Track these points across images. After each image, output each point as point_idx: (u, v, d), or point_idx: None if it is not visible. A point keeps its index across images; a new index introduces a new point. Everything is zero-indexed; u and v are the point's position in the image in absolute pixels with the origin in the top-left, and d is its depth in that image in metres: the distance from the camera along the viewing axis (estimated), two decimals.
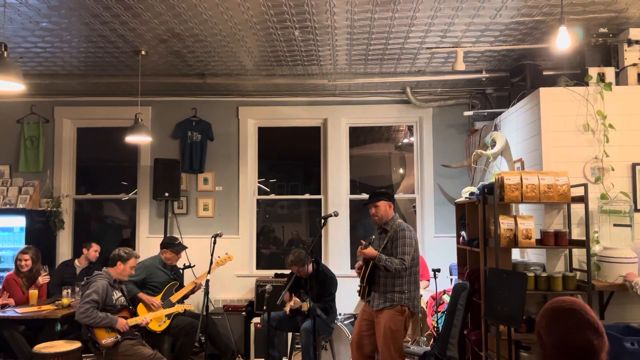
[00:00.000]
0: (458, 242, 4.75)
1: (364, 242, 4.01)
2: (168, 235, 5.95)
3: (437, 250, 6.09)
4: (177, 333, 4.85)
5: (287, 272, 5.52)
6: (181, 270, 5.47)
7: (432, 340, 5.09)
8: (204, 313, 4.39)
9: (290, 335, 5.31)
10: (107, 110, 6.58)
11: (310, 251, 4.20)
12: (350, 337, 4.83)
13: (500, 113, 5.37)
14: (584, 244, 3.80)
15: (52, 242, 6.38)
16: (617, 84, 4.25)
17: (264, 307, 4.47)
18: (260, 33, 4.48)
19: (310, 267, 4.73)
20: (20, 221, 6.03)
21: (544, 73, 4.99)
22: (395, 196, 6.61)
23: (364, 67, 5.52)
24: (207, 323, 4.49)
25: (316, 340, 4.26)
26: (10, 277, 5.05)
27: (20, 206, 6.17)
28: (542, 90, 4.21)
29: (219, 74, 5.73)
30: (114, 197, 6.86)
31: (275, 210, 7.03)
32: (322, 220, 4.33)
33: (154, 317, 4.69)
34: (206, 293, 4.40)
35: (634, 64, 4.26)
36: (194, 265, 5.56)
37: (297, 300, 4.84)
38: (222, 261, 5.09)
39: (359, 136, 6.77)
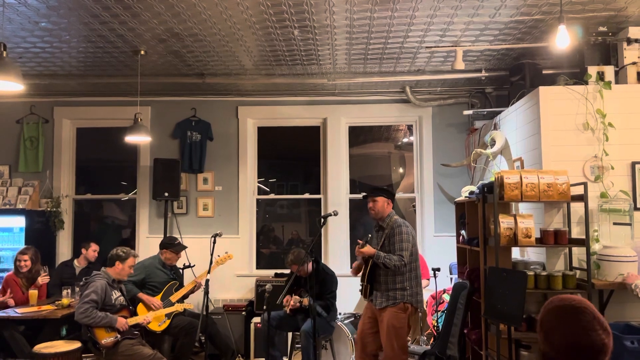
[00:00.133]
0: (458, 241, 4.75)
1: (360, 242, 4.02)
2: (167, 236, 5.95)
3: (437, 249, 6.09)
4: (177, 333, 4.85)
5: (287, 271, 5.52)
6: (181, 270, 5.47)
7: (432, 339, 5.09)
8: (204, 313, 4.39)
9: (290, 334, 5.31)
10: (106, 110, 6.58)
11: (310, 250, 4.20)
12: (350, 336, 4.83)
13: (499, 112, 5.37)
14: (583, 242, 3.80)
15: (52, 242, 6.38)
16: (617, 82, 4.24)
17: (264, 307, 4.47)
18: (259, 32, 4.47)
19: (309, 266, 4.72)
20: (19, 221, 6.03)
21: (544, 72, 4.99)
22: (395, 195, 6.60)
23: (363, 67, 5.52)
24: (207, 323, 4.48)
25: (316, 341, 4.26)
26: (10, 277, 5.05)
27: (20, 206, 6.17)
28: (542, 89, 4.21)
29: (218, 74, 5.73)
30: (114, 197, 6.85)
31: (275, 210, 7.03)
32: (322, 220, 4.33)
33: (154, 316, 4.69)
34: (206, 293, 4.40)
35: (634, 63, 4.26)
36: (194, 265, 5.55)
37: (297, 297, 4.84)
38: (222, 260, 5.09)
39: (358, 135, 6.77)
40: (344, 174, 6.50)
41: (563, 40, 3.48)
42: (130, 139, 5.32)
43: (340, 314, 5.25)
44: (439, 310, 5.01)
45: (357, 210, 6.53)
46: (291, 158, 7.27)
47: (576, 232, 4.05)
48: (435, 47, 4.84)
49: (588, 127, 4.14)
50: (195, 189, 6.49)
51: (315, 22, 4.24)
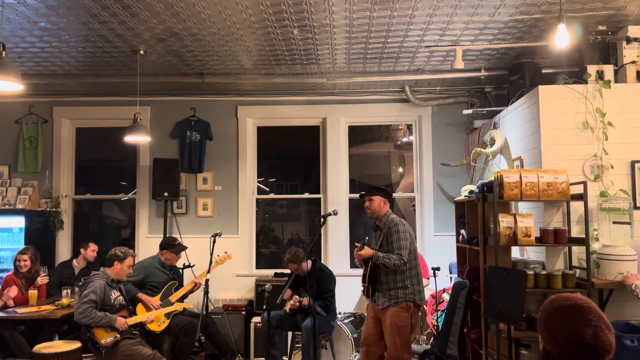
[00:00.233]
0: (457, 241, 4.75)
1: (358, 245, 4.02)
2: (167, 236, 5.94)
3: (437, 248, 6.09)
4: (177, 333, 4.84)
5: (287, 271, 5.52)
6: (180, 270, 5.47)
7: (432, 338, 5.09)
8: (204, 312, 4.39)
9: (290, 334, 5.31)
10: (105, 110, 6.58)
11: (310, 249, 4.20)
12: (350, 335, 4.83)
13: (499, 111, 5.37)
14: (583, 241, 3.80)
15: (52, 242, 6.38)
16: (616, 81, 4.24)
17: (264, 307, 4.46)
18: (258, 32, 4.47)
19: (308, 264, 4.72)
20: (19, 221, 6.02)
21: (543, 71, 4.99)
22: (395, 195, 6.61)
23: (362, 66, 5.51)
24: (207, 322, 4.48)
25: (316, 339, 4.26)
26: (9, 277, 5.04)
27: (20, 206, 6.16)
28: (541, 88, 4.21)
29: (217, 74, 5.72)
30: (113, 197, 6.85)
31: (274, 210, 7.03)
32: (322, 219, 4.33)
33: (155, 315, 4.69)
34: (206, 292, 4.39)
35: (633, 62, 4.26)
36: (194, 265, 5.55)
37: (297, 297, 4.84)
38: (222, 260, 5.09)
39: (358, 135, 6.77)
40: (344, 173, 6.50)
41: (562, 39, 3.49)
42: (130, 138, 5.32)
43: (340, 313, 5.24)
44: (439, 310, 5.01)
45: (357, 210, 6.53)
46: (291, 158, 7.27)
47: (576, 231, 4.05)
48: (434, 46, 4.84)
49: (587, 126, 4.14)
50: (194, 188, 6.49)
51: (314, 21, 4.24)
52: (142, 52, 4.94)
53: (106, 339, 4.09)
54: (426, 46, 4.85)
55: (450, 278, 5.63)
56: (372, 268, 4.07)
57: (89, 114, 6.62)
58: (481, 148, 5.30)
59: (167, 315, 4.80)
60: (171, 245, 5.14)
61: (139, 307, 4.81)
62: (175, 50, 4.95)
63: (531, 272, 3.77)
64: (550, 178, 3.82)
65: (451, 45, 4.80)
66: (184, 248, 5.21)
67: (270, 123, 6.66)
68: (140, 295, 4.85)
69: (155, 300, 4.84)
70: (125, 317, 4.27)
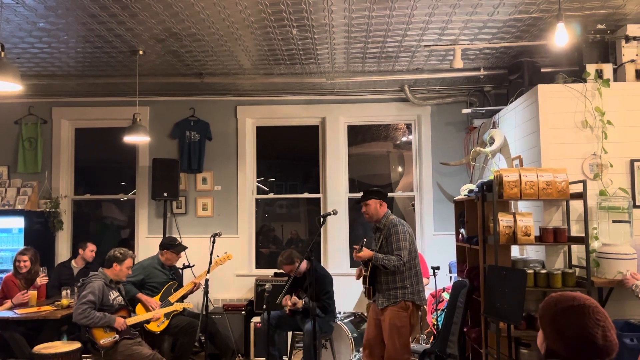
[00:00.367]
0: (457, 240, 4.75)
1: (357, 247, 4.02)
2: (167, 236, 5.94)
3: (436, 248, 6.10)
4: (176, 333, 4.84)
5: None
6: (180, 270, 5.47)
7: (432, 338, 5.09)
8: (204, 312, 4.39)
9: (290, 334, 5.31)
10: (105, 110, 6.57)
11: (310, 249, 4.19)
12: (350, 335, 4.83)
13: (498, 110, 5.37)
14: (583, 240, 3.80)
15: (51, 243, 6.38)
16: (615, 80, 4.24)
17: (264, 306, 4.46)
18: (257, 32, 4.47)
19: (303, 265, 4.73)
20: (18, 222, 6.02)
21: (542, 70, 4.99)
22: (394, 194, 6.62)
23: (362, 66, 5.51)
24: (207, 322, 4.48)
25: (317, 340, 4.26)
26: (9, 278, 5.04)
27: (19, 207, 6.16)
28: (540, 87, 4.21)
29: (216, 74, 5.72)
30: (113, 197, 6.85)
31: (274, 210, 7.03)
32: (321, 219, 4.33)
33: (155, 315, 4.69)
34: (206, 292, 4.39)
35: (632, 60, 4.26)
36: (193, 265, 5.56)
37: (295, 298, 4.84)
38: (221, 260, 5.09)
39: (357, 135, 6.77)
40: (343, 173, 6.50)
41: (562, 38, 3.49)
42: (129, 139, 5.32)
43: (340, 313, 5.24)
44: (439, 309, 5.01)
45: (356, 210, 6.53)
46: (290, 157, 7.27)
47: (575, 230, 4.05)
48: (433, 45, 4.84)
49: (587, 125, 4.14)
50: (194, 188, 6.49)
51: (313, 21, 4.24)
52: (141, 52, 4.94)
53: (105, 339, 4.09)
54: (425, 45, 4.85)
55: (450, 277, 5.64)
56: (372, 269, 4.08)
57: (88, 114, 6.61)
58: (480, 147, 5.30)
59: (166, 315, 4.79)
60: (172, 245, 5.14)
61: (139, 308, 4.81)
62: (174, 51, 4.95)
63: (531, 271, 3.77)
64: (549, 177, 3.82)
65: (450, 45, 4.80)
66: (184, 248, 5.22)
67: (270, 123, 6.66)
68: (140, 295, 4.85)
69: (155, 301, 4.84)
70: (124, 318, 4.27)
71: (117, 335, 4.15)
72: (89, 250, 5.56)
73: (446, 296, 5.01)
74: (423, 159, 6.35)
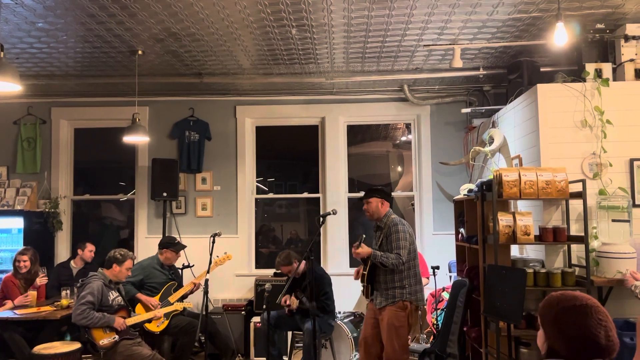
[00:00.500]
0: (457, 239, 4.75)
1: (356, 244, 4.02)
2: (166, 235, 5.94)
3: (436, 247, 6.10)
4: (176, 333, 4.84)
5: None
6: (180, 270, 5.46)
7: (431, 337, 5.09)
8: (204, 312, 4.39)
9: (290, 334, 5.31)
10: (104, 110, 6.57)
11: (309, 249, 4.19)
12: (350, 335, 4.83)
13: (497, 110, 5.37)
14: (582, 239, 3.80)
15: (51, 243, 6.38)
16: (614, 79, 4.25)
17: (264, 306, 4.46)
18: (257, 32, 4.47)
19: (302, 265, 4.73)
20: (18, 222, 6.01)
21: (541, 69, 4.99)
22: (394, 194, 6.61)
23: (361, 65, 5.51)
24: (207, 322, 4.48)
25: (317, 340, 4.25)
26: (8, 278, 5.03)
27: (18, 207, 6.15)
28: (540, 87, 4.21)
29: (216, 73, 5.72)
30: (112, 197, 6.84)
31: (273, 210, 7.03)
32: (321, 219, 4.33)
33: (155, 315, 4.69)
34: (205, 292, 4.39)
35: (631, 60, 4.26)
36: (193, 265, 5.56)
37: (294, 299, 4.83)
38: (221, 261, 5.08)
39: (356, 134, 6.77)
40: (343, 173, 6.50)
41: (561, 37, 3.49)
42: (128, 139, 5.32)
43: (339, 312, 5.25)
44: (439, 309, 5.01)
45: (356, 209, 6.53)
46: (289, 157, 7.26)
47: (575, 229, 4.05)
48: (433, 45, 4.84)
49: (586, 124, 4.14)
50: (193, 188, 6.49)
51: (312, 21, 4.24)
52: (140, 52, 4.94)
53: (104, 339, 4.09)
54: (425, 45, 4.85)
55: (450, 277, 5.64)
56: (371, 268, 4.08)
57: (87, 114, 6.61)
58: (480, 147, 5.30)
59: (166, 315, 4.79)
60: (171, 244, 5.14)
61: (138, 308, 4.81)
62: (174, 51, 4.95)
63: (530, 271, 3.77)
64: (549, 176, 3.82)
65: (450, 44, 4.80)
66: (184, 247, 5.22)
67: (269, 123, 6.66)
68: (140, 295, 4.85)
69: (155, 301, 4.84)
70: (124, 318, 4.26)
71: (117, 336, 4.14)
72: (88, 251, 5.56)
73: (446, 296, 5.02)
74: (422, 159, 6.35)
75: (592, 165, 4.12)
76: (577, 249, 4.05)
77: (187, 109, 6.47)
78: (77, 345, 4.14)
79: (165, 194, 5.95)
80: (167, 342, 4.86)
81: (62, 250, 6.47)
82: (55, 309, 4.69)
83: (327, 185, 6.43)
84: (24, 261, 5.01)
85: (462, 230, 4.57)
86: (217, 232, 4.71)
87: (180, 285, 5.12)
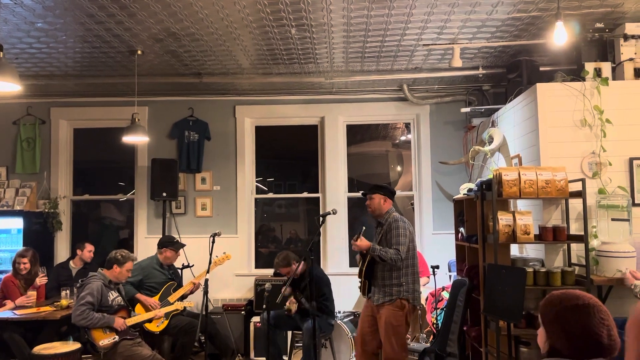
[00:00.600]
0: (457, 239, 4.75)
1: (355, 236, 4.01)
2: (165, 235, 5.94)
3: (436, 247, 6.10)
4: (176, 333, 4.84)
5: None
6: (180, 270, 5.46)
7: (431, 336, 5.09)
8: (204, 312, 4.39)
9: (290, 333, 5.31)
10: (103, 110, 6.57)
11: (309, 248, 4.19)
12: (350, 334, 4.83)
13: (497, 109, 5.37)
14: (582, 238, 3.80)
15: (50, 243, 6.37)
16: (614, 78, 4.25)
17: (264, 306, 4.46)
18: (256, 31, 4.47)
19: (300, 266, 4.73)
20: (17, 223, 6.01)
21: (541, 69, 4.99)
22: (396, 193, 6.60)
23: (360, 65, 5.51)
24: (207, 322, 4.48)
25: (317, 339, 4.25)
26: (8, 279, 5.02)
27: (18, 208, 6.15)
28: (539, 86, 4.22)
29: (215, 73, 5.72)
30: (112, 197, 6.83)
31: (273, 210, 7.03)
32: (321, 218, 4.33)
33: (156, 315, 4.69)
34: (205, 292, 4.39)
35: (631, 59, 4.26)
36: (193, 265, 5.56)
37: (293, 303, 4.83)
38: (220, 261, 5.08)
39: (356, 134, 6.77)
40: (342, 172, 6.50)
41: (560, 36, 3.49)
42: (128, 139, 5.31)
43: (339, 312, 5.25)
44: (438, 308, 5.02)
45: (356, 209, 6.54)
46: (289, 157, 7.26)
47: (574, 229, 4.05)
48: (432, 44, 4.84)
49: (586, 124, 4.15)
50: (193, 188, 6.49)
51: (312, 20, 4.23)
52: (139, 52, 4.94)
53: (104, 340, 4.08)
54: (424, 44, 4.85)
55: (450, 276, 5.64)
56: (369, 263, 4.08)
57: (86, 114, 6.61)
58: (479, 146, 5.30)
59: (166, 315, 4.79)
60: (170, 243, 5.14)
61: (138, 308, 4.81)
62: (173, 51, 4.95)
63: (530, 270, 3.77)
64: (548, 175, 3.82)
65: (449, 44, 4.80)
66: (183, 245, 5.23)
67: (269, 122, 6.66)
68: (139, 295, 4.85)
69: (154, 301, 4.84)
70: (124, 318, 4.26)
71: (117, 336, 4.14)
72: (87, 251, 5.56)
73: (446, 295, 5.02)
74: (422, 158, 6.35)
75: (592, 165, 4.12)
76: (576, 248, 4.06)
77: (187, 108, 6.47)
78: (77, 346, 4.13)
79: (164, 194, 5.95)
80: (167, 342, 4.86)
81: (61, 251, 6.46)
82: (55, 309, 4.68)
83: (326, 184, 6.43)
84: (24, 263, 5.00)
85: (461, 229, 4.57)
86: (217, 232, 4.71)
87: (179, 285, 5.12)
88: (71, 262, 5.58)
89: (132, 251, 6.16)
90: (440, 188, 6.30)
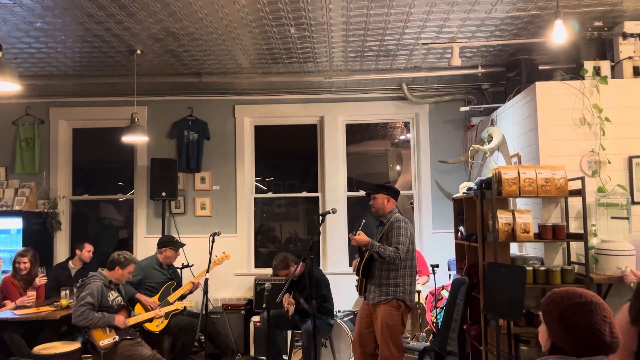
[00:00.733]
0: (456, 238, 4.75)
1: (354, 230, 4.01)
2: (164, 234, 5.93)
3: (435, 246, 6.10)
4: (176, 332, 4.84)
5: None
6: (179, 270, 5.46)
7: (431, 335, 5.10)
8: (203, 312, 4.39)
9: (290, 333, 5.31)
10: (102, 110, 6.56)
11: (309, 247, 4.19)
12: (349, 334, 4.83)
13: (496, 108, 5.38)
14: (581, 237, 3.81)
15: (50, 243, 6.37)
16: (613, 77, 4.26)
17: (264, 305, 4.46)
18: (255, 31, 4.47)
19: (299, 267, 4.72)
20: (17, 223, 6.00)
21: (540, 67, 5.00)
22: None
23: (360, 64, 5.51)
24: (207, 322, 4.48)
25: (317, 340, 4.25)
26: (8, 279, 5.02)
27: (17, 208, 6.14)
28: (538, 85, 4.22)
29: (214, 73, 5.71)
30: (111, 197, 6.83)
31: (272, 209, 7.03)
32: (321, 217, 4.33)
33: (156, 314, 4.68)
34: (205, 292, 4.39)
35: (629, 57, 4.27)
36: (192, 265, 5.55)
37: (291, 300, 4.82)
38: (220, 260, 5.08)
39: (355, 133, 6.77)
40: (342, 172, 6.50)
41: (560, 35, 3.49)
42: (127, 139, 5.31)
43: (339, 311, 5.24)
44: (438, 307, 5.02)
45: (355, 208, 6.54)
46: (288, 157, 7.26)
47: (574, 227, 4.06)
48: (431, 43, 4.84)
49: (585, 122, 4.15)
50: (192, 188, 6.48)
51: (311, 19, 4.24)
52: (139, 52, 4.93)
53: (104, 340, 4.08)
54: (423, 43, 4.86)
55: (449, 275, 5.64)
56: (367, 261, 4.07)
57: (86, 114, 6.60)
58: (479, 145, 5.31)
59: (166, 314, 4.79)
60: (170, 242, 5.14)
61: (137, 308, 4.80)
62: (172, 50, 4.95)
63: (530, 268, 3.78)
64: (548, 174, 3.82)
65: (448, 43, 4.80)
66: (183, 244, 5.23)
67: (268, 122, 6.66)
68: (139, 295, 4.84)
69: (154, 300, 4.83)
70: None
71: (117, 336, 4.14)
72: (86, 251, 5.55)
73: (445, 294, 5.02)
74: (421, 157, 6.35)
75: (591, 163, 4.13)
76: (576, 247, 4.06)
77: (186, 108, 6.47)
78: (77, 345, 4.13)
79: (164, 194, 5.94)
80: (167, 341, 4.85)
81: (61, 251, 6.46)
82: (54, 309, 4.68)
83: (326, 184, 6.43)
84: (24, 263, 5.00)
85: (461, 228, 4.58)
86: (217, 232, 4.70)
87: (179, 285, 5.12)
88: (70, 262, 5.58)
89: (131, 251, 6.17)
90: (440, 187, 6.31)
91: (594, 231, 4.02)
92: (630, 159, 4.11)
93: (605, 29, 4.36)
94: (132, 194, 6.61)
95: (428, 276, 5.56)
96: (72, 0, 3.81)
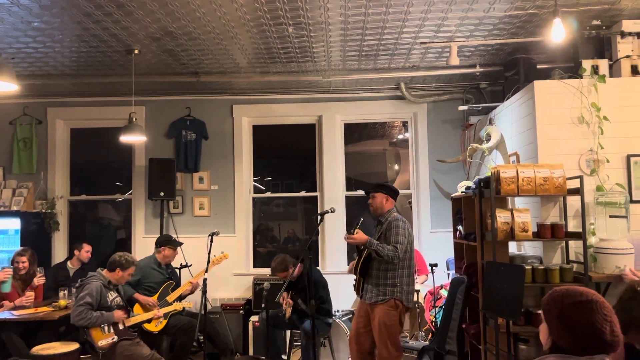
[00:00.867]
0: (455, 237, 4.75)
1: (351, 230, 3.99)
2: (162, 234, 5.92)
3: (434, 245, 6.10)
4: (175, 332, 4.83)
5: None
6: (178, 270, 5.45)
7: (430, 334, 5.10)
8: (202, 312, 4.38)
9: (288, 333, 5.30)
10: (100, 110, 6.55)
11: (307, 247, 4.19)
12: (348, 333, 4.83)
13: (494, 107, 5.38)
14: (580, 236, 3.81)
15: (48, 244, 6.35)
16: (611, 76, 4.26)
17: (263, 305, 4.45)
18: (253, 30, 4.46)
19: (297, 269, 4.71)
20: (14, 223, 5.99)
21: (538, 66, 5.00)
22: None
23: (358, 63, 5.51)
24: (206, 322, 4.47)
25: (315, 340, 4.24)
26: None
27: (15, 208, 6.13)
28: (537, 84, 4.22)
29: (212, 72, 5.70)
30: (109, 197, 6.82)
31: (271, 209, 7.02)
32: (319, 217, 4.32)
33: (156, 315, 4.68)
34: (204, 292, 4.38)
35: (627, 56, 4.27)
36: (191, 265, 5.54)
37: (289, 301, 4.82)
38: (218, 260, 5.08)
39: (353, 133, 6.77)
40: (340, 171, 6.50)
41: (558, 33, 3.50)
42: (125, 138, 5.30)
43: (338, 311, 5.25)
44: (437, 306, 5.02)
45: (354, 208, 6.53)
46: (287, 156, 7.26)
47: (572, 226, 4.06)
48: (429, 42, 4.84)
49: (583, 121, 4.15)
50: (191, 188, 6.48)
51: (309, 19, 4.23)
52: (136, 51, 4.92)
53: (103, 340, 4.07)
54: (421, 43, 4.86)
55: (448, 274, 5.64)
56: (365, 260, 4.06)
57: (83, 114, 6.59)
58: (477, 144, 5.31)
59: (165, 315, 4.78)
60: (168, 242, 5.14)
61: (136, 308, 4.80)
62: (170, 50, 4.94)
63: (529, 267, 3.78)
64: (546, 173, 3.83)
65: (446, 42, 4.80)
66: (181, 243, 5.23)
67: (266, 122, 6.65)
68: (137, 295, 4.83)
69: (153, 300, 4.83)
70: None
71: (116, 337, 4.13)
72: (85, 251, 5.53)
73: (444, 293, 5.02)
74: (419, 157, 6.35)
75: (590, 162, 4.13)
76: (575, 245, 4.06)
77: (184, 108, 6.46)
78: (75, 346, 4.12)
79: (162, 194, 5.93)
80: (165, 341, 4.85)
81: (59, 251, 6.44)
82: (53, 309, 4.67)
83: (324, 183, 6.43)
84: (23, 262, 4.99)
85: (460, 227, 4.58)
86: (215, 232, 4.69)
87: (177, 285, 5.11)
88: (69, 263, 5.56)
89: (129, 251, 6.17)
90: (438, 186, 6.31)
91: (593, 230, 4.03)
92: (629, 157, 4.11)
93: (604, 27, 4.36)
94: (130, 194, 6.59)
95: (427, 275, 5.56)
96: (70, 0, 3.80)
